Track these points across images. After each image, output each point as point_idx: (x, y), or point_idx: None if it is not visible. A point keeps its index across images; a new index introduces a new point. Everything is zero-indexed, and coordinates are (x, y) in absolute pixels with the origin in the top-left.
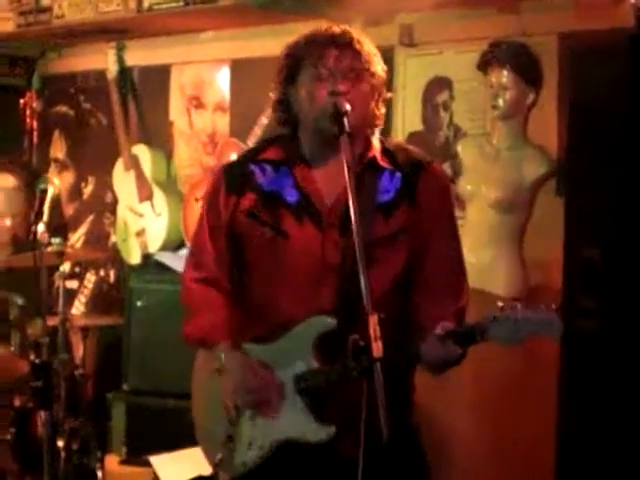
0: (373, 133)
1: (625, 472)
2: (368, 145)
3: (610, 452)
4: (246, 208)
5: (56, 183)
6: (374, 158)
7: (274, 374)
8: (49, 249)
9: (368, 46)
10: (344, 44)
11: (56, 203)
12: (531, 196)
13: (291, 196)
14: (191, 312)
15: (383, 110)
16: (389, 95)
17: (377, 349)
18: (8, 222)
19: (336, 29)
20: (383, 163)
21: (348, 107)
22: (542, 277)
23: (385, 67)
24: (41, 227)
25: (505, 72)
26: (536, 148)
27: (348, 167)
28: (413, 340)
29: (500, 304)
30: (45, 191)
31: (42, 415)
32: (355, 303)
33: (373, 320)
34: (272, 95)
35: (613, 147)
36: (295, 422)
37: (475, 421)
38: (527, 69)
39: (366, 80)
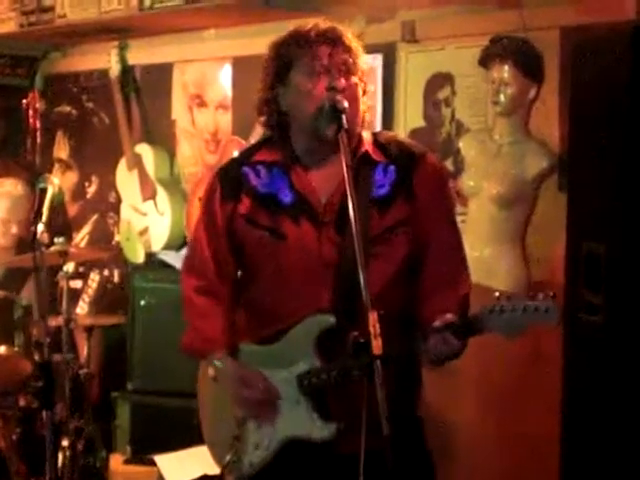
0: (363, 127)
1: (630, 467)
2: (360, 140)
3: (615, 448)
4: (243, 213)
5: (55, 182)
6: (367, 152)
7: (269, 378)
8: (52, 249)
9: (354, 41)
10: (335, 40)
11: (60, 203)
12: (533, 191)
13: (286, 197)
14: (187, 322)
15: (369, 103)
16: (373, 88)
17: (377, 346)
18: (14, 229)
19: (323, 25)
20: (376, 157)
21: (346, 104)
22: (545, 272)
23: (367, 60)
24: (40, 227)
25: (506, 67)
26: (538, 143)
27: (347, 165)
28: (414, 334)
29: (497, 294)
30: (44, 190)
31: (44, 415)
32: (354, 300)
33: (373, 317)
34: (258, 97)
35: (616, 141)
36: (300, 421)
37: (480, 416)
38: (528, 64)
39: (356, 74)
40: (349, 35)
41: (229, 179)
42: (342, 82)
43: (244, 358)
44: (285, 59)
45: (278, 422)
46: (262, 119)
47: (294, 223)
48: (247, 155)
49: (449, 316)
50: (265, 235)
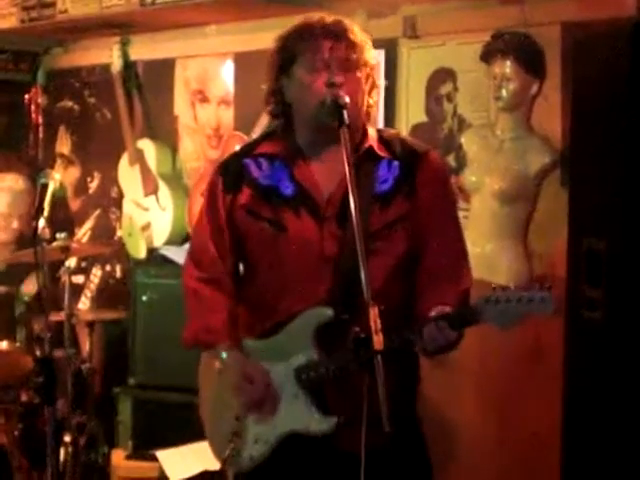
0: (369, 121)
1: (631, 463)
2: (365, 134)
3: (616, 443)
4: (244, 204)
5: (57, 178)
6: (371, 147)
7: (271, 372)
8: (54, 244)
9: (360, 35)
10: (338, 34)
11: (61, 198)
12: (535, 187)
13: (287, 189)
14: (189, 315)
15: (375, 98)
16: (381, 84)
17: (378, 342)
18: (15, 224)
19: (328, 19)
20: (380, 152)
21: (347, 99)
22: (547, 268)
23: (375, 56)
24: (42, 222)
25: (508, 63)
26: (540, 138)
27: (348, 160)
28: (409, 325)
29: (493, 286)
30: (46, 186)
31: (46, 410)
32: (354, 294)
33: (374, 312)
34: (265, 88)
35: (617, 137)
36: (298, 414)
37: (480, 411)
38: (530, 60)
39: (360, 69)
40: (355, 29)
41: (230, 171)
42: (341, 77)
43: (245, 352)
44: (289, 52)
45: (277, 417)
46: (269, 108)
47: (295, 216)
48: (249, 148)
49: (446, 307)
50: (266, 226)
